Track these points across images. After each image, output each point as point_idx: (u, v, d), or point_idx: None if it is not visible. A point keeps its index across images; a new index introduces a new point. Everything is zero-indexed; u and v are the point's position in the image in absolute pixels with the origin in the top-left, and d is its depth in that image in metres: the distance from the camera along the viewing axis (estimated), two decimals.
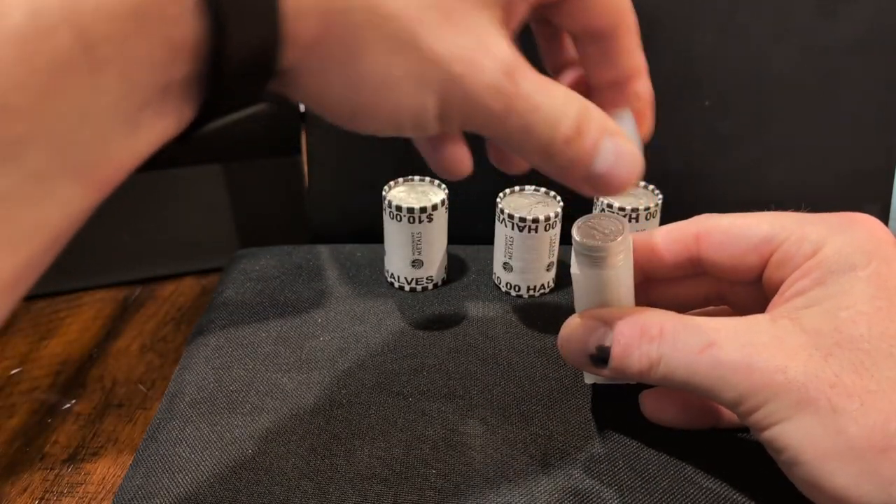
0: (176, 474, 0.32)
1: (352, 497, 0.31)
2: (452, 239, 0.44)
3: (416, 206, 0.41)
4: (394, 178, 0.43)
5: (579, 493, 0.32)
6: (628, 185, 0.28)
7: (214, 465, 0.33)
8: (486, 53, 0.24)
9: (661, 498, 0.32)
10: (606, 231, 0.32)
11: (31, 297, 0.48)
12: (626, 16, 0.30)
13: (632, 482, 0.32)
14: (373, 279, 0.45)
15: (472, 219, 0.46)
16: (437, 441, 0.34)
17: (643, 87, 0.31)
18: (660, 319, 0.30)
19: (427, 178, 0.44)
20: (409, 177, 0.44)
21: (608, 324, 0.31)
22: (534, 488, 0.32)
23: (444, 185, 0.43)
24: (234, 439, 0.34)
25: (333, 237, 0.48)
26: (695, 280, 0.34)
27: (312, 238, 0.49)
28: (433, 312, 0.42)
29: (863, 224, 0.30)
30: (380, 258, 0.45)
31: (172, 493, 0.31)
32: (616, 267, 0.32)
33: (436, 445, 0.34)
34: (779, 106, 0.47)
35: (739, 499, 0.32)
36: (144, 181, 0.49)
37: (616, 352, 0.30)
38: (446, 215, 0.43)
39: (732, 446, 0.34)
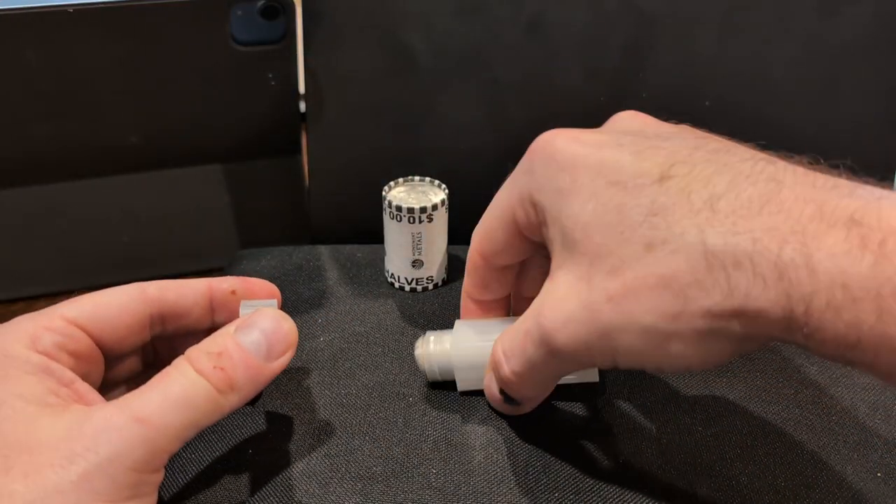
0: (176, 474, 0.32)
1: (352, 497, 0.31)
2: (452, 239, 0.44)
3: (416, 206, 0.41)
4: (394, 178, 0.43)
5: (579, 493, 0.32)
6: (293, 340, 0.31)
7: (214, 464, 0.33)
8: None
9: (662, 496, 0.32)
10: None
11: (31, 297, 0.48)
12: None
13: (632, 482, 0.32)
14: (373, 279, 0.45)
15: (472, 219, 0.46)
16: (438, 441, 0.34)
17: (218, 286, 0.34)
18: (499, 342, 0.32)
19: (427, 179, 0.44)
20: (409, 177, 0.44)
21: (490, 369, 0.33)
22: (534, 488, 0.32)
23: (444, 186, 0.43)
24: (234, 439, 0.34)
25: (334, 237, 0.48)
26: (503, 273, 0.36)
27: (312, 238, 0.49)
28: (433, 312, 0.42)
29: (538, 150, 0.31)
30: (380, 258, 0.45)
31: (172, 493, 0.32)
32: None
33: (436, 445, 0.34)
34: (779, 106, 0.47)
35: (741, 498, 0.32)
36: (144, 181, 0.49)
37: (505, 379, 0.32)
38: (446, 215, 0.43)
39: (734, 445, 0.34)
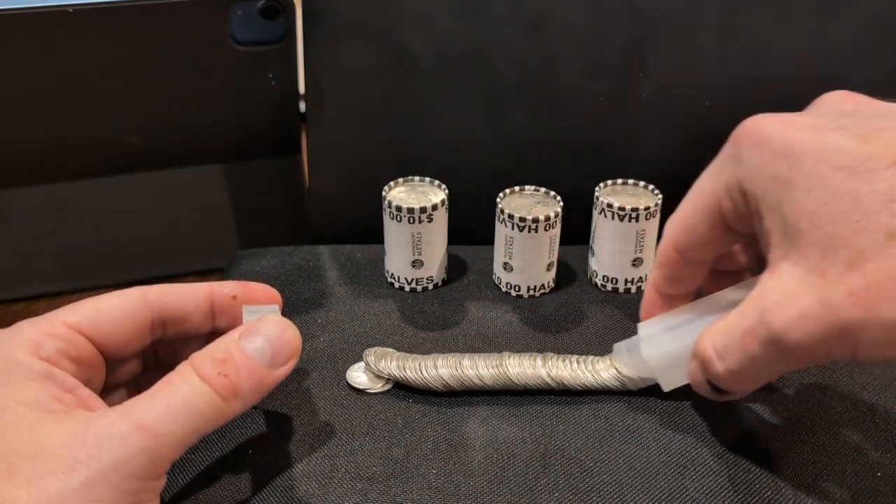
0: (176, 475, 0.32)
1: (352, 497, 0.31)
2: (452, 239, 0.44)
3: (416, 206, 0.41)
4: (394, 178, 0.43)
5: (578, 493, 0.32)
6: (296, 347, 0.31)
7: (215, 465, 0.33)
8: None
9: (661, 497, 0.32)
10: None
11: (31, 298, 0.48)
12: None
13: (632, 481, 0.32)
14: (373, 279, 0.45)
15: (472, 219, 0.46)
16: (438, 441, 0.34)
17: (219, 291, 0.33)
18: (708, 339, 0.31)
19: (427, 179, 0.44)
20: (409, 177, 0.44)
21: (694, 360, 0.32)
22: (534, 488, 0.32)
23: (443, 186, 0.43)
24: (234, 439, 0.34)
25: (334, 237, 0.48)
26: (698, 268, 0.34)
27: (312, 238, 0.49)
28: (433, 312, 0.42)
29: (745, 136, 0.29)
30: (380, 258, 0.45)
31: (172, 493, 0.32)
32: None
33: (436, 445, 0.34)
34: (779, 106, 0.47)
35: (741, 498, 0.32)
36: (144, 181, 0.49)
37: (719, 377, 0.31)
38: (446, 215, 0.43)
39: (735, 446, 0.34)
